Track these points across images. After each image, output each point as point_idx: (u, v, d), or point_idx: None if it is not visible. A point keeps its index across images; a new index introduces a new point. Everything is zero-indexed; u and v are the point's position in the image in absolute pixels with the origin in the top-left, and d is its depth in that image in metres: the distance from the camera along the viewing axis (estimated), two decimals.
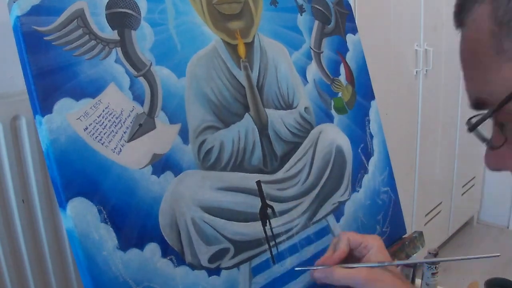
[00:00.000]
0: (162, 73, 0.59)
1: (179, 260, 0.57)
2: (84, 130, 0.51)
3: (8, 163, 0.71)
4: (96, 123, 0.52)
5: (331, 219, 0.75)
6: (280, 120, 0.70)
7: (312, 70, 0.77)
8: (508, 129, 0.39)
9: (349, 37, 0.85)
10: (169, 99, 0.59)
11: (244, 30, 0.69)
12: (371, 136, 0.85)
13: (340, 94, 0.81)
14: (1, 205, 0.71)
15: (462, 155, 2.10)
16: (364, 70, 0.87)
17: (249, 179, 0.65)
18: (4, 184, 0.72)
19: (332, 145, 0.77)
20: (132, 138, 0.55)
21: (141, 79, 0.57)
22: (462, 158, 2.10)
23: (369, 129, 0.85)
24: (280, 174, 0.69)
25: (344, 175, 0.78)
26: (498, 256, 0.53)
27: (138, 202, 0.54)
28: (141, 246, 0.54)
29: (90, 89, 0.53)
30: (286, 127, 0.71)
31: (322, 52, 0.79)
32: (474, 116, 0.41)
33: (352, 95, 0.83)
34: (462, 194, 2.22)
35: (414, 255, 0.87)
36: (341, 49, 0.83)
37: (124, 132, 0.54)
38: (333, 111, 0.79)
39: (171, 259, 0.56)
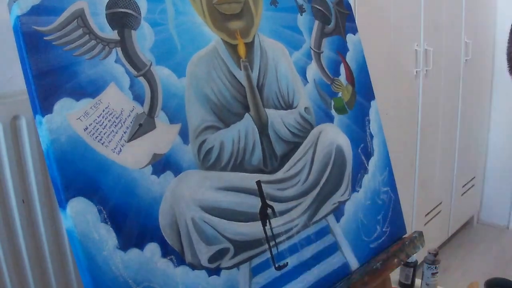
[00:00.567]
0: (162, 73, 0.59)
1: (179, 260, 0.57)
2: (84, 130, 0.51)
3: (8, 163, 0.71)
4: (96, 123, 0.52)
5: (331, 219, 0.75)
6: (280, 120, 0.70)
7: (312, 70, 0.77)
8: None
9: (349, 37, 0.85)
10: (169, 99, 0.59)
11: (244, 30, 0.69)
12: (371, 136, 0.85)
13: (340, 94, 0.81)
14: (1, 205, 0.71)
15: (462, 155, 2.10)
16: (364, 70, 0.87)
17: (249, 179, 0.65)
18: (4, 184, 0.72)
19: (332, 145, 0.77)
20: (132, 138, 0.55)
21: (141, 79, 0.57)
22: (462, 158, 2.10)
23: (369, 129, 0.85)
24: (280, 174, 0.69)
25: (344, 175, 0.78)
26: None
27: (138, 202, 0.54)
28: (141, 246, 0.54)
29: (90, 89, 0.53)
30: (286, 127, 0.71)
31: (322, 52, 0.79)
32: None
33: (352, 95, 0.83)
34: (462, 194, 2.21)
35: (414, 255, 0.87)
36: (341, 49, 0.83)
37: (124, 132, 0.54)
38: (333, 111, 0.79)
39: (171, 259, 0.56)
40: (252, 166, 0.66)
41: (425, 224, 1.93)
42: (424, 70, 1.72)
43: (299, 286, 0.68)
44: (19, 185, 0.73)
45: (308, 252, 0.70)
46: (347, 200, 0.78)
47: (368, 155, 0.83)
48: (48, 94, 0.50)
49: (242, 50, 0.68)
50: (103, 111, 0.53)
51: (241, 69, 0.67)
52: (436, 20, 1.72)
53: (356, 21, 0.87)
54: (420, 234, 0.88)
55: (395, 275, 1.06)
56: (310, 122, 0.75)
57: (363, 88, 0.85)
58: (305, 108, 0.74)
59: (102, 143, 0.52)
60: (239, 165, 0.64)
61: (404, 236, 0.88)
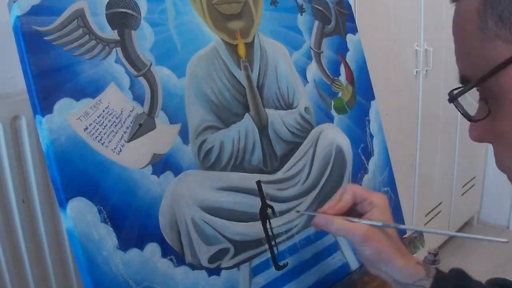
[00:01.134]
0: (162, 73, 0.59)
1: (179, 260, 0.57)
2: (84, 130, 0.51)
3: (8, 163, 0.71)
4: (96, 123, 0.52)
5: None
6: (280, 120, 0.70)
7: (312, 70, 0.77)
8: (490, 104, 0.41)
9: (349, 37, 0.85)
10: (169, 99, 0.59)
11: (244, 30, 0.69)
12: (371, 136, 0.85)
13: (340, 94, 0.81)
14: (1, 205, 0.71)
15: (462, 155, 2.10)
16: (364, 70, 0.87)
17: (249, 179, 0.65)
18: (4, 184, 0.72)
19: (332, 145, 0.77)
20: (132, 138, 0.55)
21: (141, 79, 0.57)
22: (462, 158, 2.10)
23: (369, 129, 0.85)
24: (280, 174, 0.69)
25: (344, 175, 0.78)
26: (507, 242, 0.52)
27: (138, 202, 0.54)
28: (141, 246, 0.54)
29: (90, 89, 0.53)
30: (286, 127, 0.71)
31: (322, 52, 0.79)
32: (456, 89, 0.43)
33: (352, 95, 0.83)
34: (462, 194, 2.21)
35: (414, 255, 0.87)
36: (341, 49, 0.83)
37: (124, 132, 0.54)
38: (333, 111, 0.79)
39: (171, 259, 0.56)
40: (252, 166, 0.66)
41: (425, 224, 1.93)
42: (424, 70, 1.72)
43: (299, 286, 0.68)
44: (19, 185, 0.73)
45: (308, 252, 0.70)
46: None
47: (368, 155, 0.83)
48: (48, 94, 0.50)
49: (242, 50, 0.68)
50: (103, 111, 0.53)
51: (241, 69, 0.67)
52: (436, 20, 1.72)
53: (356, 21, 0.87)
54: (420, 234, 0.88)
55: None
56: (310, 122, 0.75)
57: (363, 88, 0.85)
58: (305, 108, 0.74)
59: (102, 143, 0.52)
60: (239, 165, 0.64)
61: (404, 236, 0.88)
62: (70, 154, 0.50)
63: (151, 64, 0.58)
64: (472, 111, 0.45)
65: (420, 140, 1.79)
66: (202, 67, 0.63)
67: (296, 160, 0.71)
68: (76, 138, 0.51)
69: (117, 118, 0.54)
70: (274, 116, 0.70)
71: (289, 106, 0.72)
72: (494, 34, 0.38)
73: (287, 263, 0.67)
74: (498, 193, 2.36)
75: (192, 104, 0.61)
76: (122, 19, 0.56)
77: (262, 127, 0.68)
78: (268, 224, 0.66)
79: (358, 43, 0.86)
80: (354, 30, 0.86)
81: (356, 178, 0.80)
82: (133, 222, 0.53)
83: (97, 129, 0.52)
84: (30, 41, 0.49)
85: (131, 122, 0.55)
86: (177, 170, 0.58)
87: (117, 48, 0.55)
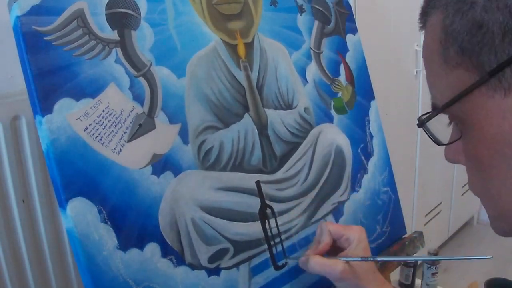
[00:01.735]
0: (162, 73, 0.59)
1: (179, 260, 0.57)
2: (84, 130, 0.51)
3: (8, 163, 0.71)
4: (96, 123, 0.52)
5: (330, 219, 0.75)
6: (280, 120, 0.70)
7: (312, 70, 0.77)
8: (459, 128, 0.42)
9: (349, 37, 0.85)
10: (169, 99, 0.59)
11: (244, 30, 0.69)
12: (371, 136, 0.85)
13: (340, 94, 0.81)
14: (1, 205, 0.71)
15: None
16: (364, 70, 0.87)
17: (249, 179, 0.65)
18: (4, 184, 0.72)
19: (331, 145, 0.77)
20: (132, 138, 0.55)
21: (141, 79, 0.57)
22: None
23: (369, 129, 0.85)
24: (279, 174, 0.69)
25: (343, 176, 0.78)
26: (491, 258, 0.55)
27: (138, 202, 0.54)
28: (141, 246, 0.54)
29: (90, 89, 0.53)
30: (286, 127, 0.71)
31: (322, 52, 0.79)
32: (425, 114, 0.44)
33: (352, 95, 0.83)
34: (462, 194, 2.21)
35: (414, 255, 0.87)
36: (341, 49, 0.83)
37: (124, 132, 0.54)
38: (332, 111, 0.79)
39: (171, 259, 0.56)
40: (251, 166, 0.66)
41: (425, 224, 1.93)
42: (424, 70, 1.72)
43: (298, 286, 0.68)
44: (19, 185, 0.73)
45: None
46: (346, 200, 0.78)
47: (368, 155, 0.83)
48: (48, 94, 0.50)
49: (241, 50, 0.68)
50: (103, 111, 0.53)
51: (240, 69, 0.67)
52: None
53: (356, 21, 0.87)
54: (420, 234, 0.88)
55: (395, 275, 1.06)
56: (309, 122, 0.75)
57: (363, 88, 0.85)
58: (305, 108, 0.74)
59: (102, 143, 0.52)
60: (238, 165, 0.65)
61: (404, 236, 0.88)
62: (70, 154, 0.50)
63: (151, 64, 0.58)
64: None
65: (420, 140, 1.79)
66: (202, 67, 0.63)
67: (295, 160, 0.71)
68: (76, 138, 0.51)
69: (117, 118, 0.54)
70: (274, 116, 0.70)
71: (288, 106, 0.72)
72: (456, 62, 0.39)
73: (286, 263, 0.67)
74: None
75: (192, 104, 0.61)
76: (122, 19, 0.56)
77: (262, 127, 0.68)
78: (267, 224, 0.66)
79: (358, 43, 0.86)
80: (354, 30, 0.86)
81: (356, 178, 0.80)
82: (133, 222, 0.54)
83: (97, 129, 0.52)
84: (30, 41, 0.49)
85: (131, 122, 0.55)
86: (177, 170, 0.58)
87: (117, 48, 0.55)
